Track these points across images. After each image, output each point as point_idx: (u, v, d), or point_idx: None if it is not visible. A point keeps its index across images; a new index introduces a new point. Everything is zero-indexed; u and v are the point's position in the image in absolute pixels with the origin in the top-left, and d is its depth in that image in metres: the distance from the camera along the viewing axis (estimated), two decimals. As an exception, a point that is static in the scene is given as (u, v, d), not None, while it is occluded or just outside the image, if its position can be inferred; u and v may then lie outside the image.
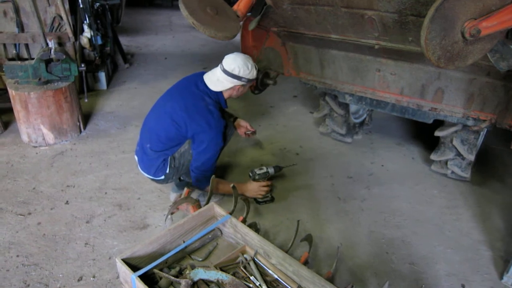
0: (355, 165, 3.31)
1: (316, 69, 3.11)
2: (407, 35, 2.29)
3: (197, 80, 2.57)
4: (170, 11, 11.19)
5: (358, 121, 3.68)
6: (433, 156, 3.06)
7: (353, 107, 3.56)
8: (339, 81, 3.05)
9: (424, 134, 3.71)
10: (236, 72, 2.44)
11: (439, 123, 2.94)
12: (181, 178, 2.77)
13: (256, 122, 4.01)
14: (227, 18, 2.43)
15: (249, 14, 2.73)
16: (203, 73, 2.63)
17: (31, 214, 2.61)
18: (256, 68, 2.56)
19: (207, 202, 2.38)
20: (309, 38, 2.87)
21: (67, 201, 2.75)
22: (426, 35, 1.65)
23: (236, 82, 2.49)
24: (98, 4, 4.64)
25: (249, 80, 2.53)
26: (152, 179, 2.72)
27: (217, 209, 2.01)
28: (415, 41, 2.30)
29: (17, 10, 4.05)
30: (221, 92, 2.55)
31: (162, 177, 2.64)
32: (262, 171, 2.72)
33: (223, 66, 2.48)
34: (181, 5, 2.17)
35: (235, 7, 2.55)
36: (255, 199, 2.76)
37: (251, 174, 2.72)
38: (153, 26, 9.04)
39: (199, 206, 2.26)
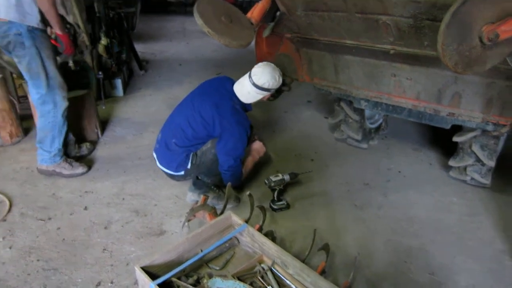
0: (371, 172, 3.28)
1: (331, 74, 3.11)
2: (423, 39, 2.28)
3: (225, 83, 2.72)
4: (184, 18, 11.30)
5: (373, 126, 3.65)
6: (451, 162, 3.02)
7: (368, 112, 3.53)
8: (354, 86, 3.04)
9: (442, 139, 3.66)
10: (266, 86, 2.59)
11: (457, 128, 2.90)
12: (199, 177, 2.79)
13: (269, 128, 4.02)
14: (241, 26, 2.45)
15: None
16: (228, 78, 2.78)
17: (51, 219, 2.66)
18: (281, 76, 2.69)
19: (223, 210, 2.40)
20: (323, 44, 2.87)
21: (85, 207, 2.79)
22: (442, 41, 1.64)
23: (265, 94, 2.65)
24: (113, 12, 4.72)
25: (277, 90, 2.70)
26: (171, 175, 2.79)
27: (234, 218, 2.02)
28: (431, 46, 2.28)
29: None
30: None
31: (182, 172, 2.71)
32: (277, 178, 2.73)
33: (253, 80, 2.58)
34: (196, 14, 2.20)
35: (248, 14, 2.58)
36: (270, 206, 2.76)
37: (266, 182, 2.73)
38: (168, 32, 9.15)
39: (216, 213, 2.27)
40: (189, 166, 2.67)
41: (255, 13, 2.56)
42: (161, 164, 2.79)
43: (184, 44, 7.89)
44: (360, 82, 2.97)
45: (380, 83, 2.86)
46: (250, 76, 2.59)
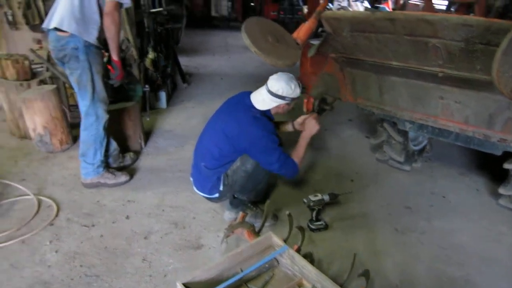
0: (414, 195, 3.19)
1: (375, 95, 3.06)
2: (475, 63, 2.21)
3: (244, 97, 2.69)
4: (226, 32, 11.57)
5: (417, 148, 3.55)
6: (501, 190, 2.88)
7: (412, 134, 3.45)
8: (398, 107, 2.98)
9: (490, 164, 3.50)
10: (280, 93, 2.52)
11: (508, 154, 2.77)
12: (235, 195, 2.81)
13: (309, 146, 3.98)
14: (287, 45, 2.47)
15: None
16: (249, 92, 2.73)
17: (95, 226, 2.75)
18: (300, 87, 2.61)
19: (261, 227, 2.40)
20: (368, 64, 2.84)
21: (127, 216, 2.87)
22: (498, 68, 1.59)
23: (280, 101, 2.56)
24: (161, 28, 4.90)
25: (292, 99, 2.59)
26: (207, 198, 2.79)
27: (275, 239, 2.01)
28: (483, 70, 2.21)
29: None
30: (268, 110, 2.65)
31: (217, 194, 2.70)
32: (317, 198, 2.70)
33: (268, 87, 2.56)
34: (243, 34, 2.24)
35: (295, 34, 2.60)
36: (308, 225, 2.73)
37: (305, 201, 2.71)
38: (210, 47, 9.37)
39: (254, 231, 2.27)
40: (221, 188, 2.65)
41: (301, 33, 2.58)
42: (196, 187, 2.80)
43: (226, 58, 8.05)
44: (405, 103, 2.90)
45: (426, 106, 2.79)
46: (266, 84, 2.58)
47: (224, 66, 7.40)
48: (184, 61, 7.25)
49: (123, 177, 3.24)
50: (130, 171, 3.45)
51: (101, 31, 2.86)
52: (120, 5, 2.81)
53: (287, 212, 2.17)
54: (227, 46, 9.42)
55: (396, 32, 2.29)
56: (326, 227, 2.76)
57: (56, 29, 2.73)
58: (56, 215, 2.83)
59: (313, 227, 2.73)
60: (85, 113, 3.01)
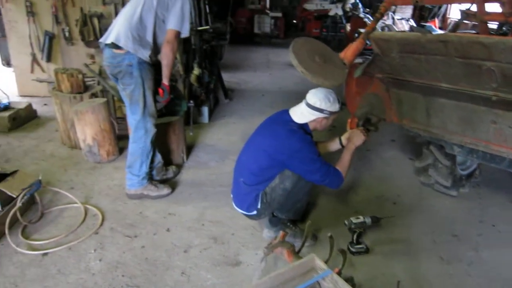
0: (461, 222, 3.05)
1: (422, 117, 2.98)
2: (532, 88, 2.11)
3: (282, 113, 2.70)
4: (268, 49, 11.70)
5: (465, 173, 3.40)
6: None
7: (460, 159, 3.31)
8: (447, 131, 2.88)
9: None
10: (317, 105, 2.51)
11: None
12: (274, 213, 2.80)
13: (351, 166, 3.92)
14: (334, 66, 2.47)
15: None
16: (288, 109, 2.73)
17: (137, 237, 2.82)
18: (339, 102, 2.58)
19: (301, 248, 2.37)
20: (416, 86, 2.78)
21: (168, 229, 2.93)
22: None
23: (318, 115, 2.54)
24: (207, 44, 5.02)
25: (331, 113, 2.56)
26: (245, 215, 2.79)
27: (318, 262, 1.98)
28: (542, 95, 2.10)
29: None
30: (306, 124, 2.62)
31: (255, 212, 2.69)
32: (358, 220, 2.64)
33: (306, 100, 2.56)
34: (291, 54, 2.26)
35: (342, 54, 2.59)
36: (348, 248, 2.67)
37: (346, 223, 2.65)
38: (252, 63, 9.50)
39: (294, 251, 2.25)
40: (259, 206, 2.63)
41: (348, 53, 2.57)
42: (235, 204, 2.81)
43: (267, 74, 8.12)
44: (454, 126, 2.80)
45: (477, 130, 2.68)
46: (305, 98, 2.57)
47: (266, 83, 7.47)
48: (226, 77, 7.37)
49: (165, 190, 3.31)
50: (172, 184, 3.52)
51: (153, 51, 2.99)
52: (179, 34, 2.97)
53: (329, 234, 2.14)
54: (269, 63, 9.51)
55: (448, 54, 2.23)
56: (367, 250, 2.69)
57: (112, 46, 2.88)
58: (101, 224, 2.92)
59: (353, 250, 2.67)
60: (135, 126, 3.12)
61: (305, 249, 2.57)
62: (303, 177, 2.54)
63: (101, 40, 3.01)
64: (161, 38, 3.03)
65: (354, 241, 2.69)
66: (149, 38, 2.96)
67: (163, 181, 3.51)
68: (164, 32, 2.99)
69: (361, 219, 2.65)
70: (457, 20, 10.85)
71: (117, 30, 2.89)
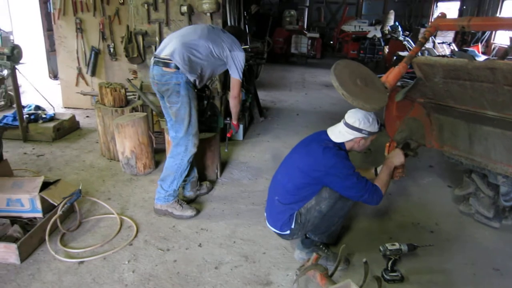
0: (504, 256, 2.90)
1: (464, 144, 2.89)
2: None
3: (320, 134, 2.69)
4: (304, 69, 11.76)
5: (509, 204, 3.24)
6: None
7: (504, 189, 3.17)
8: (491, 159, 2.77)
9: None
10: (356, 125, 2.48)
11: None
12: (307, 235, 2.76)
13: (386, 191, 3.83)
14: (375, 89, 2.45)
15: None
16: (326, 130, 2.72)
17: (169, 251, 2.84)
18: (378, 123, 2.55)
19: (334, 271, 2.32)
20: (459, 112, 2.71)
21: (200, 244, 2.94)
22: None
23: (356, 134, 2.52)
24: (246, 63, 5.09)
25: (369, 133, 2.53)
26: (278, 234, 2.77)
27: None
28: None
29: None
30: (343, 144, 2.59)
31: (288, 232, 2.66)
32: (394, 247, 2.56)
33: (345, 120, 2.55)
34: (332, 77, 2.26)
35: (383, 78, 2.57)
36: (382, 275, 2.59)
37: (381, 249, 2.58)
38: (288, 82, 9.56)
39: (327, 275, 2.21)
40: (293, 226, 2.61)
41: (390, 77, 2.54)
42: (268, 222, 2.79)
43: (303, 94, 8.13)
44: (499, 155, 2.70)
45: (524, 160, 2.57)
46: (344, 117, 2.56)
47: (301, 102, 7.48)
48: (262, 95, 7.45)
49: (189, 211, 3.29)
50: (205, 199, 3.56)
51: (199, 79, 3.12)
52: (242, 83, 3.38)
53: (364, 260, 2.09)
54: (304, 82, 9.54)
55: (495, 82, 2.16)
56: (401, 279, 2.60)
57: (162, 64, 2.98)
58: (135, 236, 2.98)
59: (387, 277, 2.59)
60: (176, 142, 3.18)
61: (337, 273, 2.52)
62: (341, 193, 2.50)
63: (155, 52, 3.11)
64: (208, 71, 3.18)
65: (389, 268, 2.61)
66: (198, 67, 3.07)
67: (195, 198, 3.57)
68: (213, 67, 3.19)
69: (397, 246, 2.57)
70: (502, 45, 10.55)
71: (173, 48, 2.98)
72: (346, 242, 2.95)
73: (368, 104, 2.29)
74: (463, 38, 12.26)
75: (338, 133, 2.58)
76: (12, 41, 6.71)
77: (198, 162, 3.69)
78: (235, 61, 3.20)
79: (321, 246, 2.75)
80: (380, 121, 2.58)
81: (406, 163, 2.72)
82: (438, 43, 10.49)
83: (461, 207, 3.40)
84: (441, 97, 2.70)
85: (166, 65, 2.96)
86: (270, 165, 4.37)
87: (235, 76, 3.27)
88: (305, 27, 16.11)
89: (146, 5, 4.50)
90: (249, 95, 5.48)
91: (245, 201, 3.60)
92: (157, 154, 4.30)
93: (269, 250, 2.90)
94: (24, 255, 2.64)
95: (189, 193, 3.55)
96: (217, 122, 3.74)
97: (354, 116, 2.51)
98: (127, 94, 4.47)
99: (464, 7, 14.05)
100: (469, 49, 9.45)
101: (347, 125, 2.53)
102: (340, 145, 2.59)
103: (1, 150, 3.14)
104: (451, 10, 14.93)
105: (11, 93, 5.23)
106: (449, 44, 10.70)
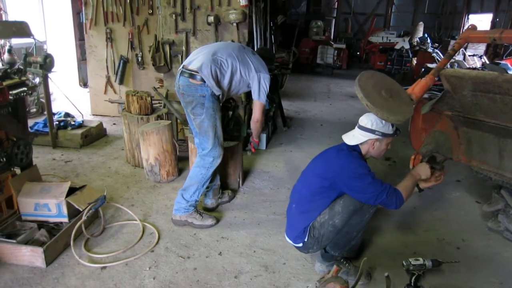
0: (535, 276, 2.78)
1: (493, 159, 2.80)
2: None
3: (340, 144, 2.68)
4: (329, 79, 11.71)
5: (540, 222, 3.12)
6: None
7: (535, 206, 3.06)
8: (522, 175, 2.68)
9: None
10: (369, 126, 2.46)
11: None
12: (327, 250, 2.72)
13: (411, 204, 3.75)
14: (400, 101, 2.41)
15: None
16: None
17: (190, 258, 2.86)
18: (393, 126, 2.49)
19: (355, 285, 2.28)
20: (489, 126, 2.63)
21: (220, 252, 2.94)
22: None
23: (370, 136, 2.48)
24: (271, 73, 5.12)
25: (383, 134, 2.47)
26: (292, 245, 2.74)
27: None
28: None
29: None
30: (357, 146, 2.57)
31: (301, 244, 2.63)
32: (418, 262, 2.49)
33: (358, 123, 2.55)
34: (356, 87, 2.25)
35: (409, 90, 2.53)
36: (405, 292, 2.52)
37: (404, 264, 2.51)
38: (312, 92, 9.53)
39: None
40: (306, 239, 2.57)
41: (416, 89, 2.50)
42: (286, 233, 2.77)
43: (327, 105, 8.09)
44: (530, 171, 2.61)
45: (557, 176, 2.47)
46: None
47: (325, 113, 7.43)
48: (286, 105, 7.45)
49: (209, 221, 3.28)
50: (226, 207, 3.57)
51: (223, 95, 3.16)
52: (264, 106, 3.33)
53: (386, 274, 2.04)
54: (329, 93, 9.49)
55: (526, 95, 2.11)
56: (425, 296, 2.52)
57: (189, 76, 3.02)
58: (157, 243, 3.01)
59: (410, 293, 2.51)
60: (204, 154, 3.20)
61: (358, 287, 2.47)
62: (357, 199, 2.44)
63: (184, 63, 3.16)
64: (232, 89, 3.22)
65: (412, 284, 2.52)
66: (224, 84, 3.12)
67: (217, 206, 3.58)
68: (238, 86, 3.22)
69: (420, 261, 2.49)
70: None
71: (202, 61, 3.02)
72: (367, 256, 2.90)
73: (393, 116, 2.26)
74: (495, 51, 11.94)
75: (352, 137, 2.58)
76: (45, 50, 6.96)
77: (220, 170, 3.71)
78: (260, 83, 3.18)
79: (342, 260, 2.70)
80: (395, 125, 2.53)
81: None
82: (469, 56, 10.25)
83: (490, 224, 3.29)
84: (469, 110, 2.63)
85: (193, 76, 3.00)
86: (292, 175, 4.35)
87: (258, 99, 3.24)
88: (332, 37, 16.08)
89: (174, 15, 4.60)
90: (273, 104, 5.50)
91: (266, 211, 3.59)
92: (180, 161, 4.35)
93: (290, 260, 2.88)
94: (50, 259, 2.70)
95: (211, 201, 3.57)
96: (239, 131, 3.76)
97: (367, 118, 2.51)
98: (153, 102, 4.55)
99: (497, 19, 13.72)
100: (502, 62, 9.17)
101: (360, 127, 2.53)
102: (355, 148, 2.57)
103: (31, 156, 3.25)
104: (483, 22, 14.62)
105: (43, 100, 5.42)
106: (480, 57, 10.44)
